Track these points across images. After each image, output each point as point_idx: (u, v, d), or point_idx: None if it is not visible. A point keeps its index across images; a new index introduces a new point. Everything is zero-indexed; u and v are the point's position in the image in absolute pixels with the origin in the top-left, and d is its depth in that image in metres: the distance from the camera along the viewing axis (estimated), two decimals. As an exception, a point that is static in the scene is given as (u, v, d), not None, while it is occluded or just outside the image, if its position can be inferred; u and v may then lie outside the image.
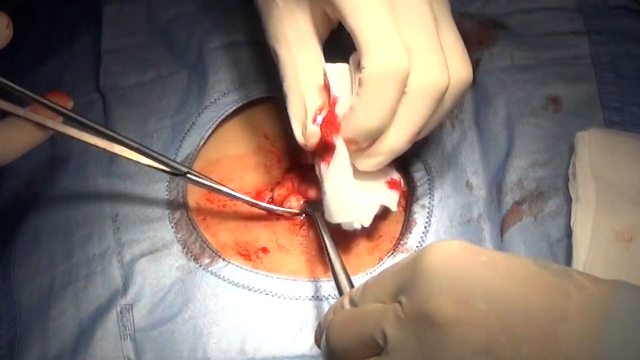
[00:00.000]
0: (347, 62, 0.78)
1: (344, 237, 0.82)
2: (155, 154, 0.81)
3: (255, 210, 0.85)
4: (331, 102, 0.76)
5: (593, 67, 0.88)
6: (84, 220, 0.85)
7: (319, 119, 0.77)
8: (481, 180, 0.85)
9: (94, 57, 0.92)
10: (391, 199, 0.81)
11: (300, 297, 0.81)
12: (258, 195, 0.85)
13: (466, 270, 0.58)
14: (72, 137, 0.79)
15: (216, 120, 0.87)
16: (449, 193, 0.85)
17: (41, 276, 0.83)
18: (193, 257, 0.82)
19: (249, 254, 0.83)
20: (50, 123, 0.77)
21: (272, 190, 0.86)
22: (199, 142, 0.87)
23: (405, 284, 0.60)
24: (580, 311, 0.57)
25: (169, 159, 0.81)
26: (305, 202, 0.84)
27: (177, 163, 0.82)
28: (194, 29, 0.92)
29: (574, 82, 0.87)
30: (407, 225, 0.84)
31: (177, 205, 0.85)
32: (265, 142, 0.88)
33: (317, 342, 0.69)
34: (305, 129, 0.77)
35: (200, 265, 0.82)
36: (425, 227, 0.84)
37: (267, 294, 0.81)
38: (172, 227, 0.84)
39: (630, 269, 0.75)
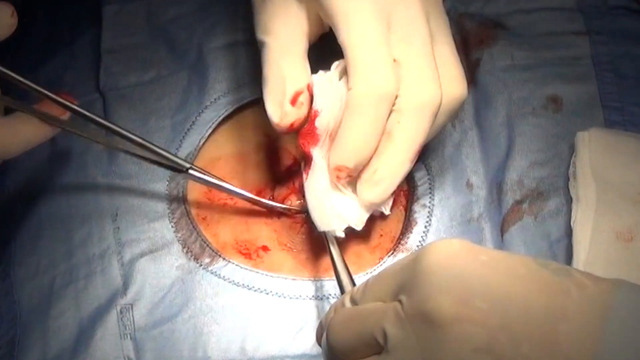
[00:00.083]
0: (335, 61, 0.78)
1: (344, 237, 0.82)
2: (159, 150, 0.81)
3: (255, 208, 0.85)
4: (312, 115, 0.77)
5: (593, 67, 0.88)
6: (84, 220, 0.85)
7: (299, 104, 0.77)
8: (481, 180, 0.85)
9: (94, 57, 0.92)
10: (385, 203, 0.80)
11: (300, 296, 0.81)
12: (258, 194, 0.85)
13: (466, 269, 0.58)
14: (79, 134, 0.80)
15: (216, 120, 0.87)
16: (449, 192, 0.85)
17: (41, 276, 0.83)
18: (193, 256, 0.82)
19: (250, 253, 0.83)
20: (57, 119, 0.78)
21: (272, 189, 0.86)
22: (199, 141, 0.87)
23: (406, 283, 0.60)
24: (581, 310, 0.57)
25: (172, 154, 0.82)
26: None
27: (180, 159, 0.82)
28: (194, 29, 0.92)
29: (574, 82, 0.87)
30: (407, 224, 0.84)
31: (177, 204, 0.85)
32: (266, 140, 0.88)
33: (319, 340, 0.69)
34: (282, 108, 0.76)
35: (201, 265, 0.82)
36: (425, 227, 0.84)
37: (267, 294, 0.81)
38: (172, 227, 0.84)
39: (631, 269, 0.75)
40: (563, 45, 0.89)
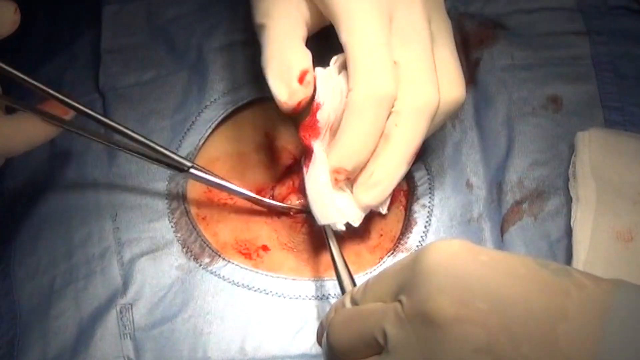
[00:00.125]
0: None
1: (344, 236, 0.82)
2: (161, 149, 0.81)
3: (255, 208, 0.85)
4: (314, 107, 0.77)
5: (593, 67, 0.89)
6: (83, 220, 0.85)
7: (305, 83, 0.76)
8: (481, 180, 0.85)
9: (94, 57, 0.92)
10: (382, 203, 0.80)
11: (300, 296, 0.81)
12: (258, 193, 0.85)
13: (466, 269, 0.58)
14: (81, 134, 0.80)
15: (216, 120, 0.88)
16: (449, 192, 0.85)
17: (41, 276, 0.83)
18: (193, 256, 0.82)
19: (250, 253, 0.83)
20: (59, 119, 0.78)
21: (272, 188, 0.86)
22: (199, 141, 0.87)
23: (406, 283, 0.60)
24: (581, 310, 0.57)
25: (174, 153, 0.82)
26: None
27: (182, 157, 0.82)
28: (194, 29, 0.92)
29: (574, 82, 0.88)
30: (407, 224, 0.84)
31: (177, 204, 0.85)
32: (266, 140, 0.88)
33: (319, 340, 0.69)
34: (290, 86, 0.76)
35: (200, 265, 0.82)
36: (425, 227, 0.84)
37: (267, 294, 0.81)
38: (171, 227, 0.84)
39: (630, 269, 0.76)
40: (563, 45, 0.90)
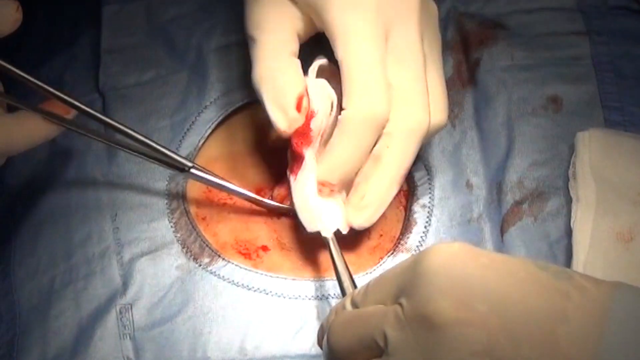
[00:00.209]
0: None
1: (344, 236, 0.82)
2: (162, 148, 0.81)
3: (255, 208, 0.85)
4: (308, 115, 0.78)
5: (593, 67, 0.89)
6: (83, 220, 0.85)
7: (301, 109, 0.78)
8: (481, 180, 0.85)
9: (93, 57, 0.92)
10: None
11: (300, 296, 0.81)
12: (258, 194, 0.85)
13: (466, 271, 0.58)
14: (82, 133, 0.80)
15: (216, 120, 0.88)
16: (449, 193, 0.85)
17: (41, 276, 0.83)
18: (193, 256, 0.82)
19: (249, 253, 0.83)
20: (60, 118, 0.78)
21: (272, 189, 0.86)
22: (199, 141, 0.87)
23: (406, 286, 0.60)
24: (580, 312, 0.57)
25: (175, 153, 0.82)
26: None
27: (183, 157, 0.82)
28: (194, 29, 0.92)
29: (574, 82, 0.88)
30: (407, 224, 0.84)
31: (177, 204, 0.85)
32: (265, 140, 0.88)
33: (319, 343, 0.69)
34: (288, 115, 0.77)
35: (200, 265, 0.82)
36: (425, 227, 0.84)
37: (267, 294, 0.80)
38: (171, 227, 0.84)
39: (630, 269, 0.76)
40: (563, 46, 0.90)
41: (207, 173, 0.82)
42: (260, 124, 0.88)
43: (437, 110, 0.78)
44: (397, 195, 0.85)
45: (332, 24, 0.76)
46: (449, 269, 0.58)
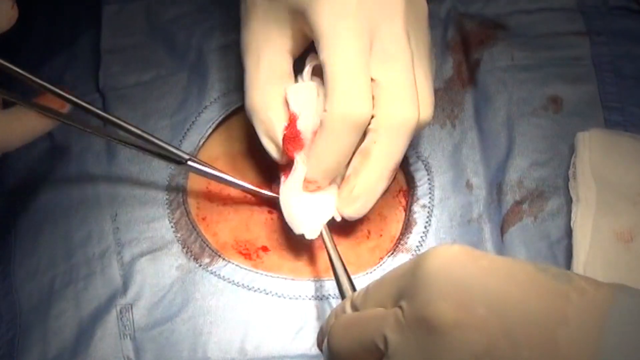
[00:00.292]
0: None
1: (344, 236, 0.83)
2: (158, 141, 0.81)
3: (255, 208, 0.85)
4: (291, 118, 0.79)
5: (593, 68, 0.89)
6: (83, 220, 0.85)
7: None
8: (481, 180, 0.85)
9: (94, 57, 0.92)
10: None
11: (300, 296, 0.81)
12: (258, 193, 0.86)
13: (466, 274, 0.58)
14: (77, 127, 0.80)
15: (216, 120, 0.88)
16: (449, 193, 0.85)
17: (41, 276, 0.83)
18: (193, 256, 0.82)
19: (249, 253, 0.83)
20: (56, 112, 0.78)
21: (272, 188, 0.86)
22: (199, 141, 0.87)
23: (406, 289, 0.60)
24: (580, 315, 0.57)
25: (172, 146, 0.82)
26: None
27: (180, 150, 0.82)
28: (194, 29, 0.92)
29: (575, 83, 0.88)
30: (407, 224, 0.84)
31: (177, 204, 0.85)
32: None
33: (320, 346, 0.69)
34: (279, 147, 0.80)
35: (200, 265, 0.82)
36: (425, 227, 0.84)
37: (267, 294, 0.81)
38: (171, 227, 0.84)
39: (631, 270, 0.76)
40: (563, 46, 0.90)
41: (205, 165, 0.82)
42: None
43: (423, 106, 0.78)
44: (397, 195, 0.85)
45: (316, 27, 0.76)
46: (448, 271, 0.58)
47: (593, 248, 0.77)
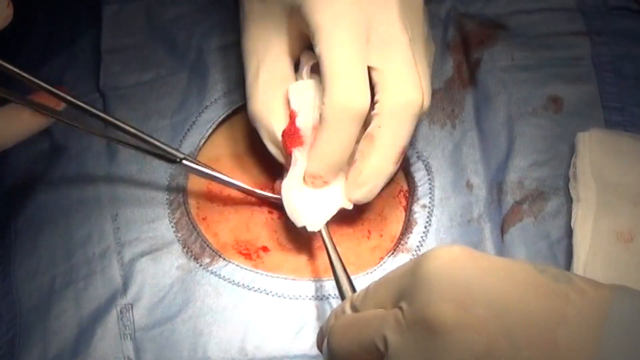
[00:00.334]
0: None
1: (344, 236, 0.83)
2: (153, 140, 0.81)
3: (256, 208, 0.85)
4: (291, 115, 0.80)
5: (593, 68, 0.89)
6: (83, 220, 0.85)
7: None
8: (481, 180, 0.85)
9: (94, 57, 0.92)
10: None
11: (300, 296, 0.81)
12: (259, 193, 0.86)
13: (466, 275, 0.58)
14: (73, 125, 0.80)
15: (216, 120, 0.88)
16: (449, 193, 0.85)
17: (41, 276, 0.83)
18: (193, 256, 0.82)
19: (250, 253, 0.83)
20: (51, 109, 0.78)
21: (272, 189, 0.86)
22: (199, 141, 0.87)
23: (406, 290, 0.60)
24: (580, 315, 0.57)
25: (167, 145, 0.82)
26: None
27: (174, 149, 0.82)
28: (194, 29, 0.92)
29: (575, 83, 0.88)
30: (407, 224, 0.84)
31: (177, 204, 0.85)
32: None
33: (319, 347, 0.69)
34: (283, 152, 0.80)
35: (201, 265, 0.82)
36: (425, 227, 0.84)
37: (267, 294, 0.81)
38: (172, 227, 0.84)
39: (631, 270, 0.76)
40: (563, 46, 0.90)
41: (200, 165, 0.83)
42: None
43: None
44: (397, 195, 0.85)
45: (312, 21, 0.76)
46: (448, 272, 0.58)
47: (593, 248, 0.77)
